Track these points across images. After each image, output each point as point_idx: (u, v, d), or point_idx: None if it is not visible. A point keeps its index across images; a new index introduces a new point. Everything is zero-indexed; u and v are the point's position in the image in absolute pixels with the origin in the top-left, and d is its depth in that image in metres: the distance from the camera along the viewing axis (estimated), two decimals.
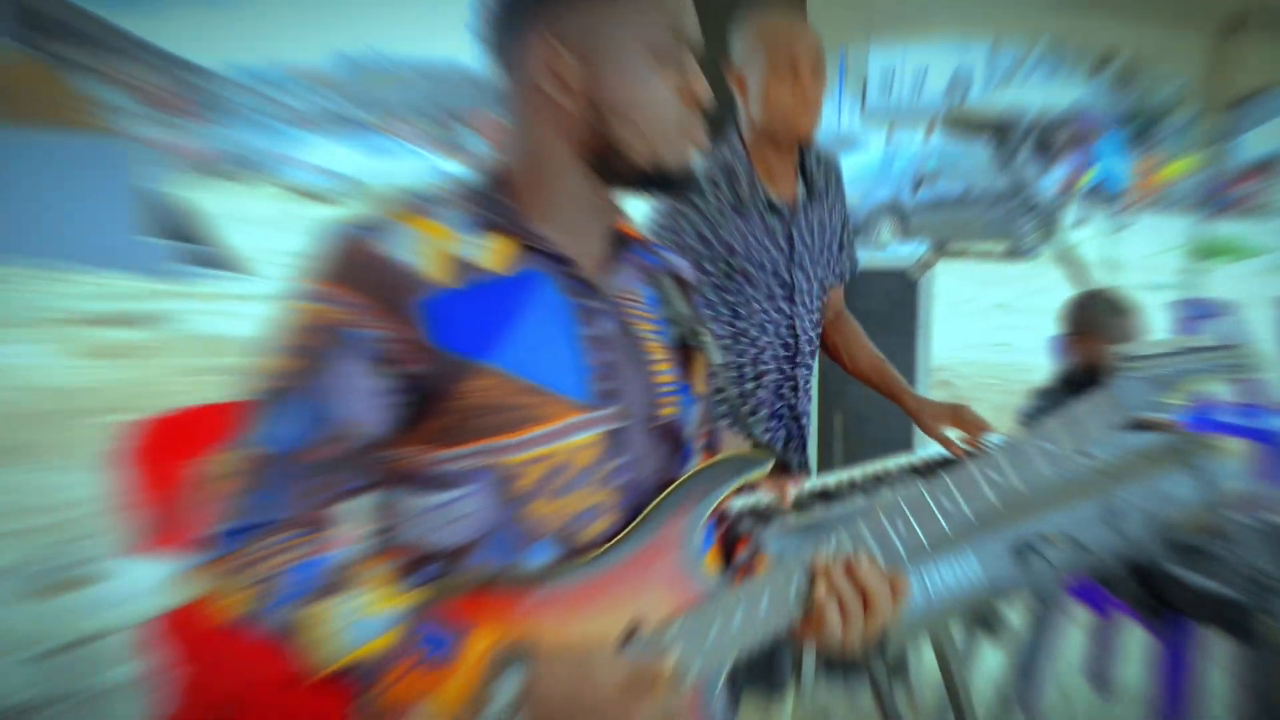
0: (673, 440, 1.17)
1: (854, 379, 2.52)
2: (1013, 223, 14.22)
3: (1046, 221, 12.65)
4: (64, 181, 11.07)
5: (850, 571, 1.09)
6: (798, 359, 2.37)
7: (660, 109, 1.07)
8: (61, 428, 6.07)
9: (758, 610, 1.07)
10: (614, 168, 1.09)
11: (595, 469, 1.08)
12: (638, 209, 1.34)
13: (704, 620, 1.05)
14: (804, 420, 2.47)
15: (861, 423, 3.24)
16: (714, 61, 2.47)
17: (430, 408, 1.04)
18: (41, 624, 2.15)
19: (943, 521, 1.15)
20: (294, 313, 1.03)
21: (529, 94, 1.08)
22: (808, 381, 2.45)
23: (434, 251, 1.05)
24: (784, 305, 2.32)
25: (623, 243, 1.19)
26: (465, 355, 1.03)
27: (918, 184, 14.72)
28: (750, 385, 2.33)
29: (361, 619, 0.97)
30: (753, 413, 2.34)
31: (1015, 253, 14.52)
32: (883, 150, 15.38)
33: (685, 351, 1.21)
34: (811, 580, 1.09)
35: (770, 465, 1.13)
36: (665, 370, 1.17)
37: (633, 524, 1.09)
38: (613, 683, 0.96)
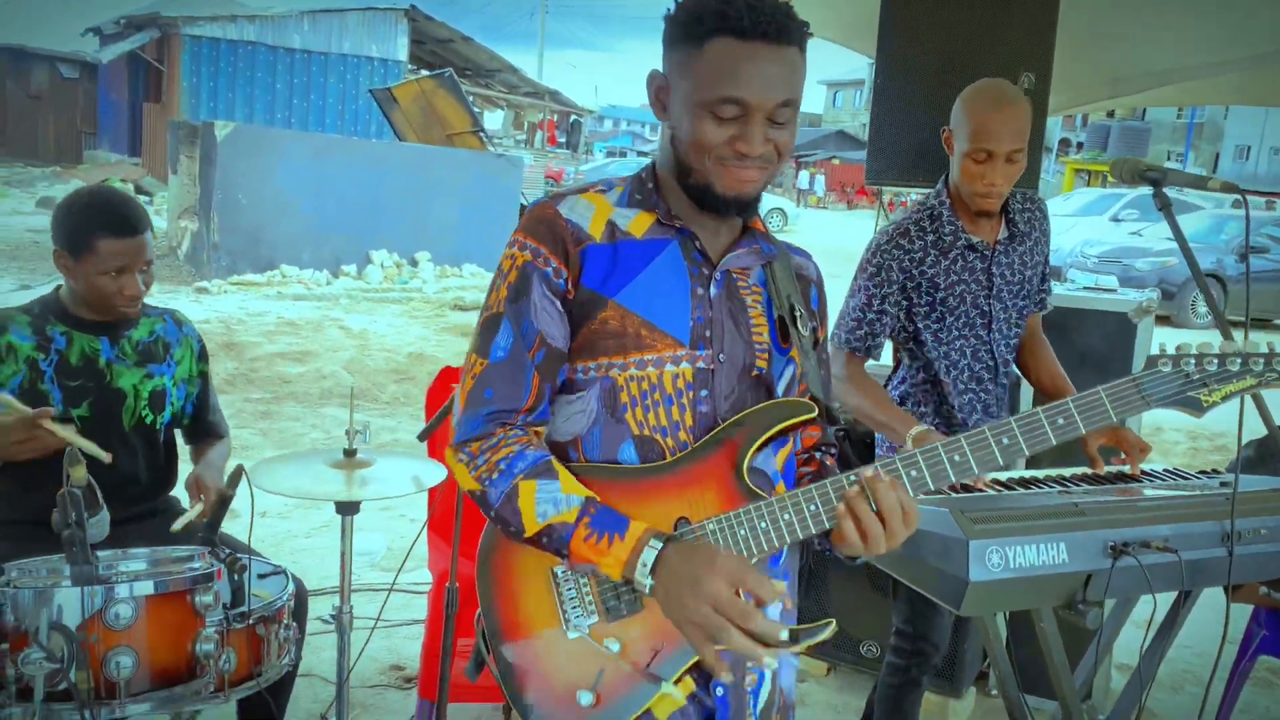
0: (762, 388, 1.50)
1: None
2: None
3: None
4: (458, 192, 13.30)
5: (873, 492, 1.37)
6: (996, 378, 2.62)
7: (706, 147, 1.39)
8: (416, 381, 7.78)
9: (789, 520, 1.39)
10: (684, 180, 1.46)
11: (681, 395, 1.45)
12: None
13: (740, 520, 1.39)
14: None
15: None
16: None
17: (574, 331, 1.45)
18: None
19: (999, 458, 1.42)
20: (504, 257, 1.48)
21: (657, 109, 1.49)
22: (1002, 400, 2.69)
23: (596, 217, 1.47)
24: (981, 332, 2.58)
25: (748, 233, 1.54)
26: (604, 293, 1.44)
27: (1243, 255, 13.66)
28: (952, 402, 2.60)
29: (557, 496, 1.37)
30: (949, 423, 2.61)
31: None
32: (1214, 216, 14.39)
33: (783, 323, 1.54)
34: (839, 497, 1.39)
35: (815, 411, 1.45)
36: (761, 333, 1.52)
37: (699, 443, 1.44)
38: (706, 558, 1.30)
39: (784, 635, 1.28)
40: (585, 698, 1.39)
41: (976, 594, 1.85)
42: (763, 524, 1.39)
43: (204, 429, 2.73)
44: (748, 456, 1.42)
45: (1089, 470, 2.42)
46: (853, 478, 1.40)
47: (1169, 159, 31.69)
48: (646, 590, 1.34)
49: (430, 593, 3.12)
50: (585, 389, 1.46)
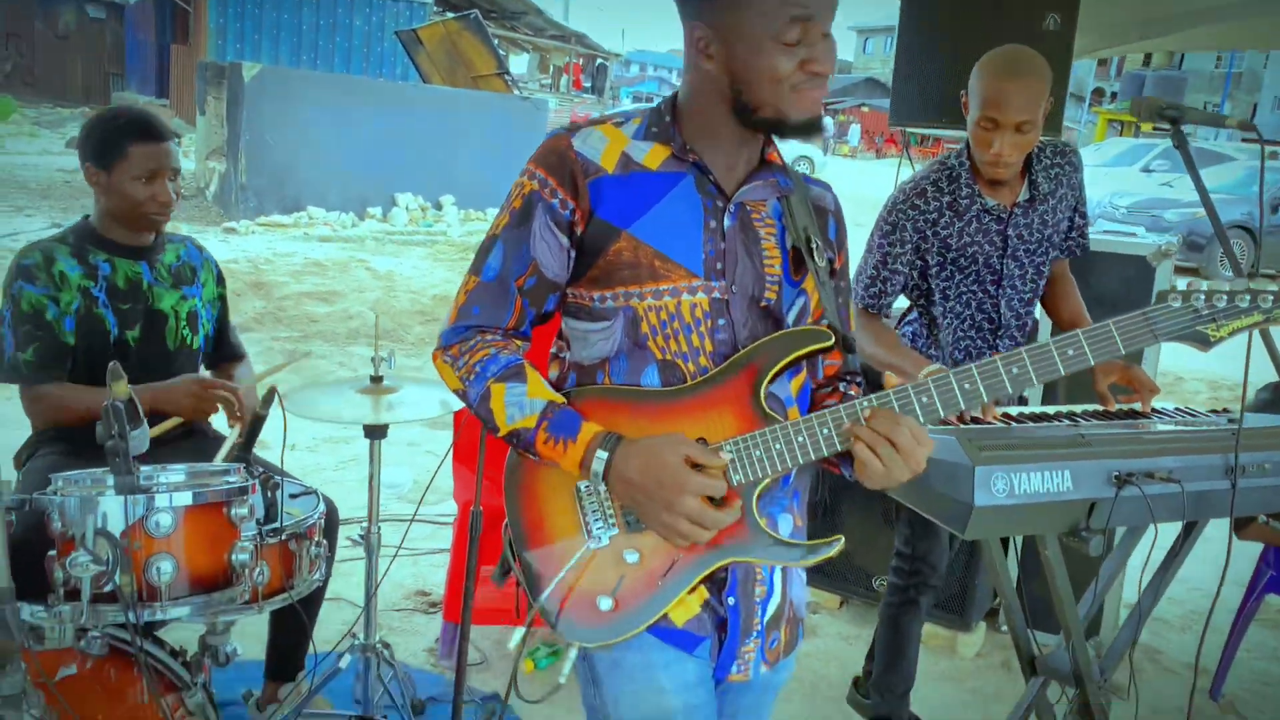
0: (770, 320, 1.54)
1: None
2: None
3: None
4: (483, 135, 13.33)
5: (884, 422, 1.42)
6: (999, 333, 2.66)
7: (780, 78, 1.42)
8: (441, 323, 7.92)
9: (803, 442, 1.45)
10: (747, 118, 1.48)
11: (699, 324, 1.49)
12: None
13: (756, 441, 1.44)
14: None
15: None
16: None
17: (591, 261, 1.49)
18: None
19: (1008, 386, 1.47)
20: (515, 184, 1.53)
21: (691, 56, 1.51)
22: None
23: (610, 149, 1.51)
24: (990, 288, 2.62)
25: (766, 166, 1.58)
26: (617, 225, 1.48)
27: (1276, 208, 13.52)
28: (959, 356, 2.66)
29: (523, 400, 1.45)
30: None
31: None
32: (1247, 168, 14.19)
33: (798, 255, 1.57)
34: (851, 421, 1.45)
35: (831, 339, 1.50)
36: (774, 264, 1.55)
37: (718, 368, 1.49)
38: (676, 459, 1.38)
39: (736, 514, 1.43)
40: (605, 603, 1.47)
41: (980, 519, 1.91)
42: (777, 446, 1.45)
43: (228, 351, 2.84)
44: (765, 382, 1.48)
45: (1099, 407, 2.46)
46: (865, 404, 1.46)
47: (1205, 110, 31.06)
48: (603, 494, 1.47)
49: (455, 521, 3.21)
50: (610, 318, 1.51)
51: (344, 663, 2.57)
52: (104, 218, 2.53)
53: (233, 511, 1.89)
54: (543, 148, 1.52)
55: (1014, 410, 2.41)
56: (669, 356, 1.50)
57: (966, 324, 2.67)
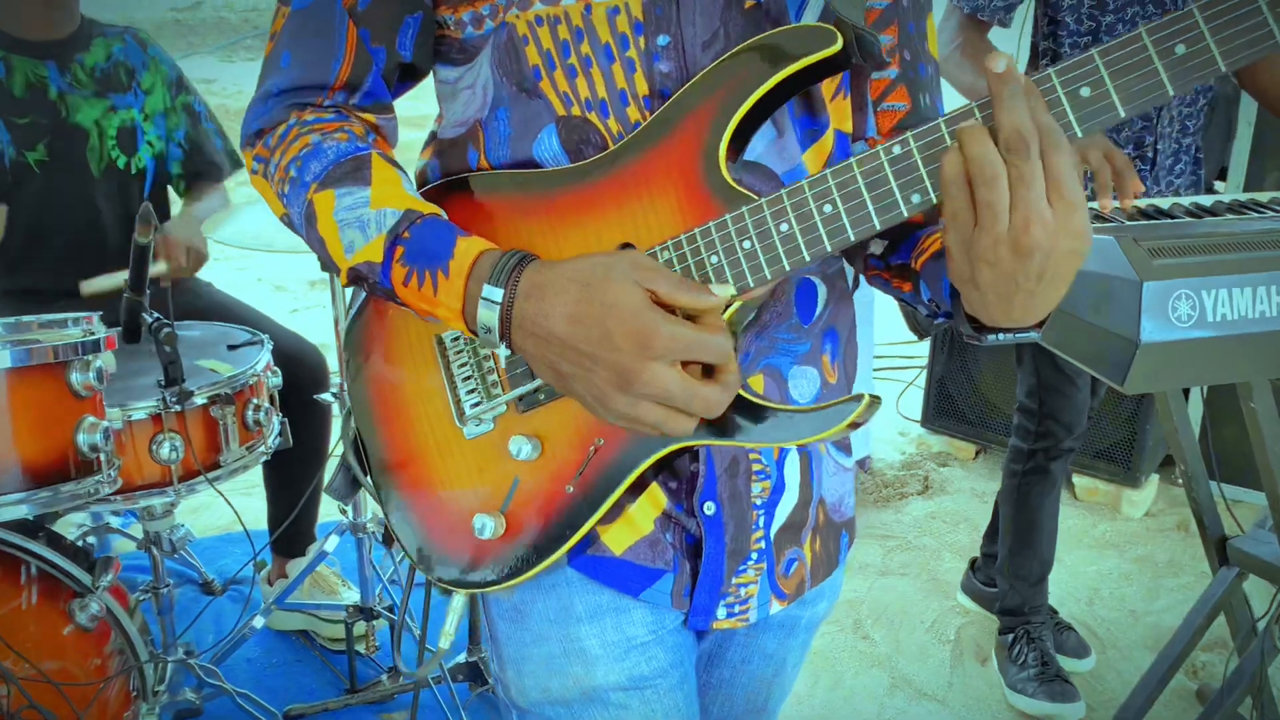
0: (766, 27, 0.86)
1: None
2: None
3: None
4: None
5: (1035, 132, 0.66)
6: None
7: None
8: None
9: (835, 207, 0.76)
10: None
11: (627, 45, 0.84)
12: None
13: (714, 238, 0.79)
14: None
15: None
16: None
17: None
18: None
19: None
20: None
21: None
22: (1193, 122, 1.96)
23: None
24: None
25: None
26: None
27: None
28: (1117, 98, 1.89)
29: (364, 214, 0.83)
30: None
31: None
32: None
33: None
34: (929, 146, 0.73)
35: (840, 43, 0.78)
36: None
37: (652, 117, 0.83)
38: (633, 296, 0.73)
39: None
40: (486, 525, 0.89)
41: (1151, 361, 1.23)
42: (745, 243, 0.79)
43: (197, 172, 2.30)
44: (726, 134, 0.81)
45: None
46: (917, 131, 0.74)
47: None
48: (503, 363, 0.83)
49: None
50: (473, 53, 0.88)
51: (330, 545, 2.12)
52: None
53: (73, 377, 1.38)
54: None
55: (1206, 200, 1.67)
56: (577, 110, 0.86)
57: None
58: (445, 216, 0.84)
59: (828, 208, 0.77)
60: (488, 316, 0.77)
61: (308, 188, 0.85)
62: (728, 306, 0.79)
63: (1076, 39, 1.88)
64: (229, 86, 10.36)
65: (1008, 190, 0.67)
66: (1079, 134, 0.70)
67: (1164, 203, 1.63)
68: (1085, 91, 0.70)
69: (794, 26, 0.83)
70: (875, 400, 0.79)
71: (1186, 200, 1.64)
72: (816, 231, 0.77)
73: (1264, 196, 1.68)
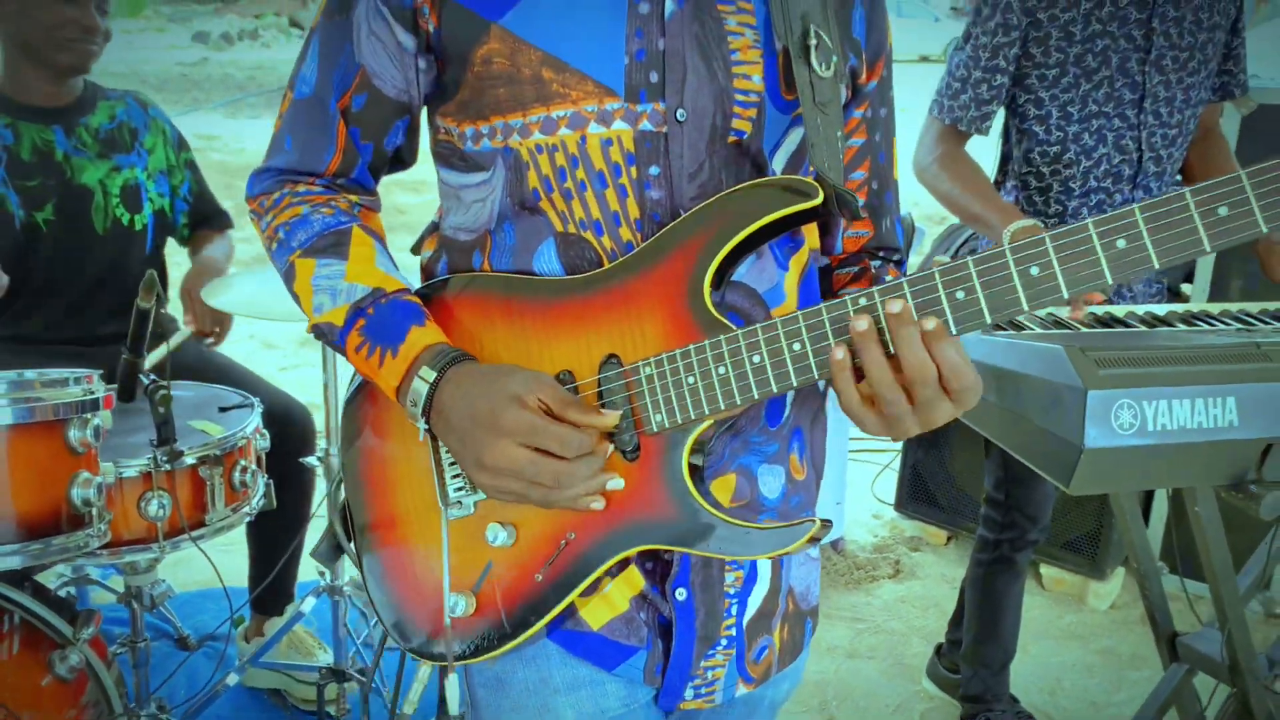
0: (746, 164, 0.96)
1: None
2: None
3: None
4: None
5: (890, 333, 0.80)
6: (1138, 180, 1.98)
7: None
8: None
9: (759, 363, 0.86)
10: None
11: (620, 173, 0.93)
12: None
13: (682, 362, 0.88)
14: None
15: None
16: None
17: (457, 74, 0.94)
18: None
19: (1106, 269, 0.77)
20: None
21: None
22: None
23: None
24: (1129, 111, 1.93)
25: None
26: (483, 14, 0.91)
27: None
28: (1073, 203, 2.00)
29: (336, 284, 0.96)
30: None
31: None
32: None
33: (788, 59, 0.95)
34: (840, 332, 0.84)
35: (820, 198, 0.87)
36: (750, 75, 0.95)
37: (644, 244, 0.92)
38: (502, 393, 0.86)
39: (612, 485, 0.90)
40: (458, 604, 0.95)
41: (1094, 465, 1.30)
42: (720, 369, 0.87)
43: (204, 222, 2.40)
44: (711, 266, 0.89)
45: None
46: (863, 301, 0.84)
47: None
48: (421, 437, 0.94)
49: None
50: (488, 166, 0.97)
51: (306, 606, 2.16)
52: (10, 64, 2.09)
53: (71, 434, 1.44)
54: None
55: (1140, 310, 1.75)
56: (573, 228, 0.95)
57: (1101, 169, 1.98)
58: (411, 300, 0.97)
59: (796, 346, 0.86)
60: (416, 397, 0.91)
61: (292, 251, 0.99)
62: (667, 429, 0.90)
63: (1045, 148, 1.99)
64: (231, 143, 10.51)
65: (904, 401, 0.82)
66: (1109, 281, 0.79)
67: (1120, 311, 1.72)
68: (1121, 243, 0.78)
69: (783, 178, 0.94)
70: (826, 524, 0.89)
71: (1141, 309, 1.73)
72: (785, 368, 0.86)
73: (1215, 308, 1.77)
